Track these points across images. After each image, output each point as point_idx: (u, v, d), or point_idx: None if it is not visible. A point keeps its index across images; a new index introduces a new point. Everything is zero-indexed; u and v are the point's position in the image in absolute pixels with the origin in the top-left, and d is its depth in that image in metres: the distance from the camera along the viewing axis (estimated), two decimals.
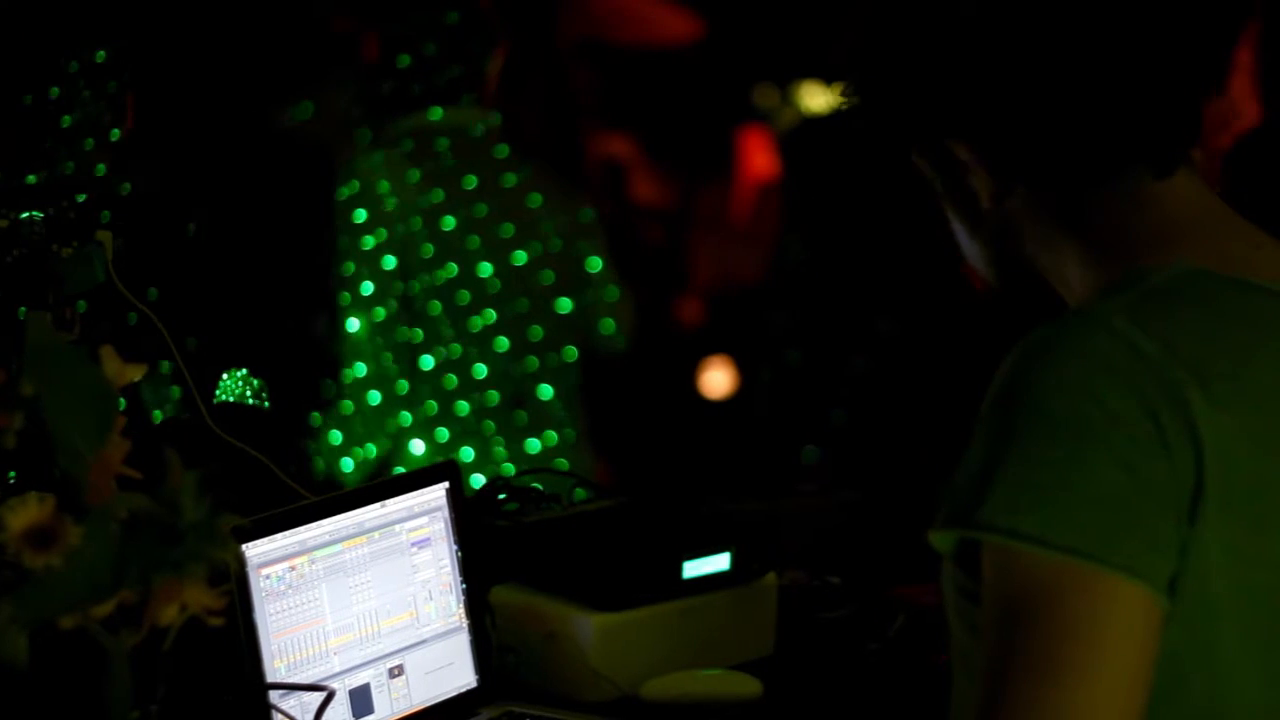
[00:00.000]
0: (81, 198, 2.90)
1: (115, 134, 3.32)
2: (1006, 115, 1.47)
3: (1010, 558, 1.34)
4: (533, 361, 3.26)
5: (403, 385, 3.25)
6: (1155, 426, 1.34)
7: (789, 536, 2.59)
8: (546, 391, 3.26)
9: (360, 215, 3.24)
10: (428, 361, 3.26)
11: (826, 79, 1.60)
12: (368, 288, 3.23)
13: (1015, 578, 1.34)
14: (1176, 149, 1.48)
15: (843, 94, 1.57)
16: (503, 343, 3.25)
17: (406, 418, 3.26)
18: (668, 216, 3.65)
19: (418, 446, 3.25)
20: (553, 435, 3.27)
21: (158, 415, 2.70)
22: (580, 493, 2.61)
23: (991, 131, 1.48)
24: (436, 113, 3.30)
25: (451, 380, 3.25)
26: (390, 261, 3.23)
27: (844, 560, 2.52)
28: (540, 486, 2.57)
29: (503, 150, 3.27)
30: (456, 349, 3.25)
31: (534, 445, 3.26)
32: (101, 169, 3.26)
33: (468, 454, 3.23)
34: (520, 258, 3.26)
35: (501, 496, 2.48)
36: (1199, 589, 1.36)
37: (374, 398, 3.24)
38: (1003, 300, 1.59)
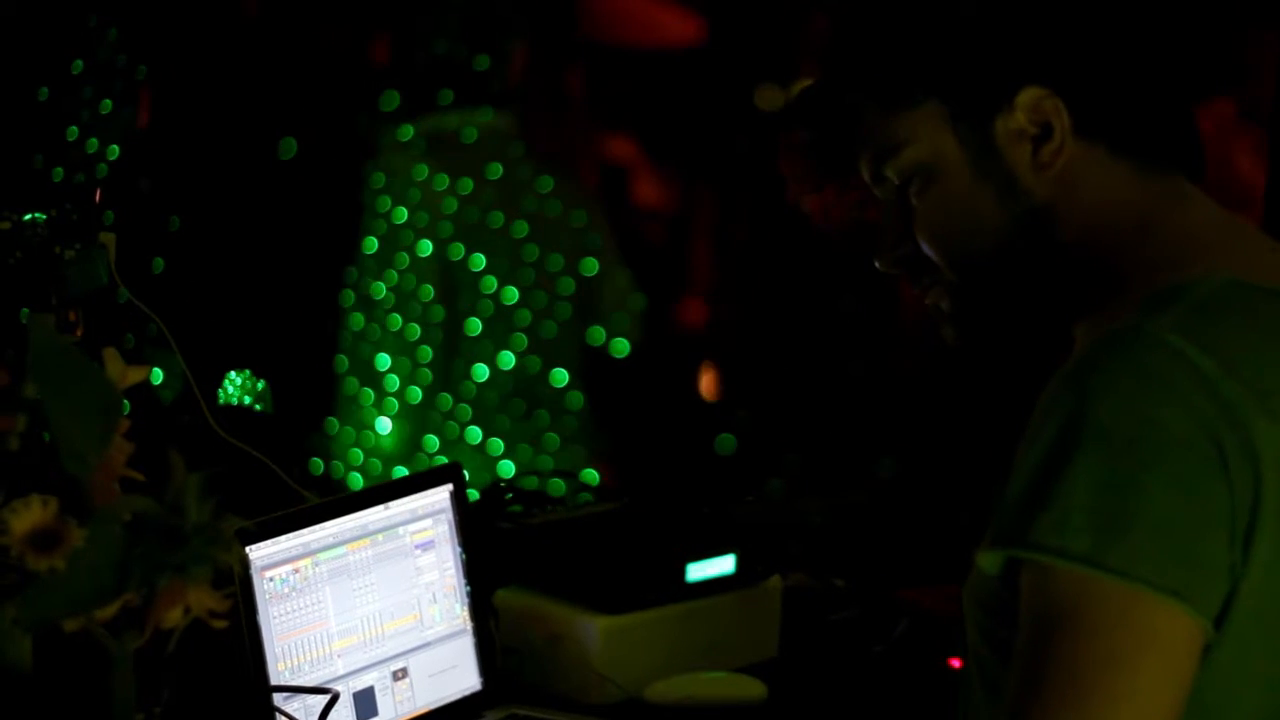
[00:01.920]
0: (103, 170, 2.89)
1: (107, 104, 3.32)
2: (1109, 50, 1.44)
3: (1056, 577, 1.31)
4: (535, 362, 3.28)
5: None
6: (1214, 447, 1.31)
7: (793, 539, 2.59)
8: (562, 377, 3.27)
9: (384, 203, 3.26)
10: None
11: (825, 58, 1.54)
12: (379, 289, 3.25)
13: (1059, 598, 1.31)
14: (1202, 150, 1.48)
15: (882, 56, 1.50)
16: (522, 340, 3.27)
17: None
18: (670, 219, 3.65)
19: (384, 425, 3.25)
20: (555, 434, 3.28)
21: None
22: (558, 484, 2.61)
23: (1089, 69, 1.44)
24: (452, 120, 3.32)
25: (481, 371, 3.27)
26: (427, 248, 3.25)
27: (849, 562, 2.52)
28: (563, 486, 2.57)
29: (517, 149, 3.28)
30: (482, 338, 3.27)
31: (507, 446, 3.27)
32: (114, 151, 3.27)
33: (474, 435, 3.24)
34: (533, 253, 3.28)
35: (508, 478, 2.49)
36: (1249, 609, 1.33)
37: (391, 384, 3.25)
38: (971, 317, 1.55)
